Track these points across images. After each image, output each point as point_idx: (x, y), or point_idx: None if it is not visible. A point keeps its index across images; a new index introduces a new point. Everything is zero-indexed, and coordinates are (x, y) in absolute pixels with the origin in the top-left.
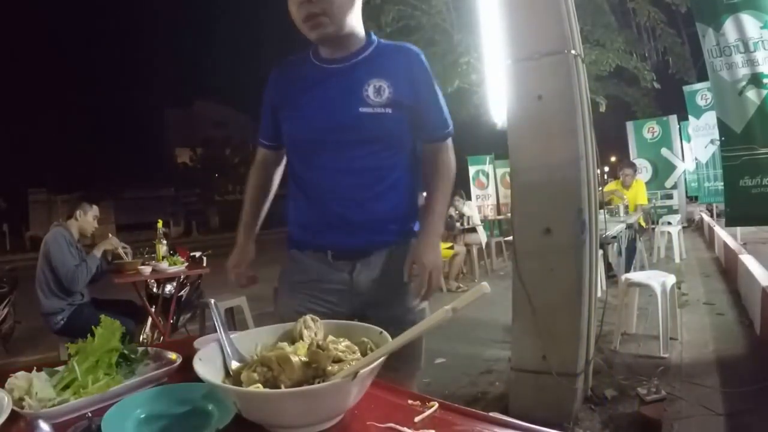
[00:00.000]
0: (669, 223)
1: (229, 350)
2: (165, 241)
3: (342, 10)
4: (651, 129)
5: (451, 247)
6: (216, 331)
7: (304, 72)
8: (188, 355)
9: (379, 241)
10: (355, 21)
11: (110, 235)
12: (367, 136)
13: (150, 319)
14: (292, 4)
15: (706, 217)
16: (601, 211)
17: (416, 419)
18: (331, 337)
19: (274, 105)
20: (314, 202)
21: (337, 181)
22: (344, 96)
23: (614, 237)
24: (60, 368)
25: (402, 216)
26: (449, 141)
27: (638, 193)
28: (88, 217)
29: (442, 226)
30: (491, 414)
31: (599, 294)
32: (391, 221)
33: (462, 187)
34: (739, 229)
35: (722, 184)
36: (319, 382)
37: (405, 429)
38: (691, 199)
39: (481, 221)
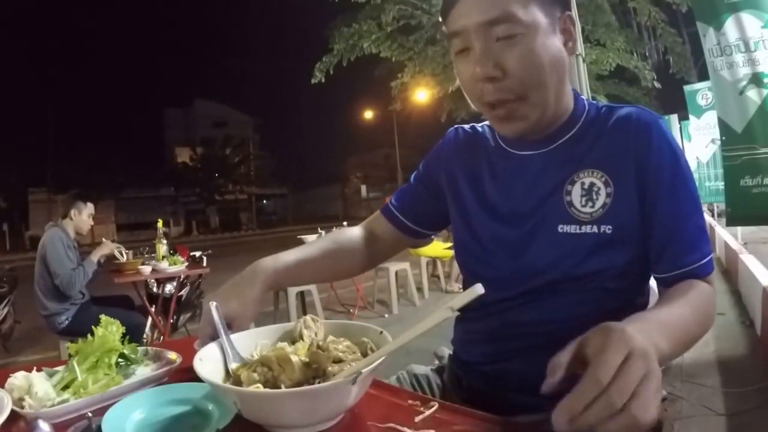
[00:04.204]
0: None
1: (229, 350)
2: (165, 241)
3: (548, 87)
4: None
5: (451, 248)
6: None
7: (482, 149)
8: (188, 355)
9: None
10: (563, 92)
11: (104, 239)
12: (572, 273)
13: (150, 319)
14: (465, 78)
15: (708, 217)
16: None
17: (416, 419)
18: (331, 338)
19: (436, 182)
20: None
21: (518, 323)
22: None
23: None
24: (60, 368)
25: None
26: (709, 283)
27: None
28: (83, 216)
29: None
30: (491, 414)
31: None
32: None
33: None
34: (739, 229)
35: (723, 183)
36: (319, 383)
37: (405, 429)
38: None
39: None
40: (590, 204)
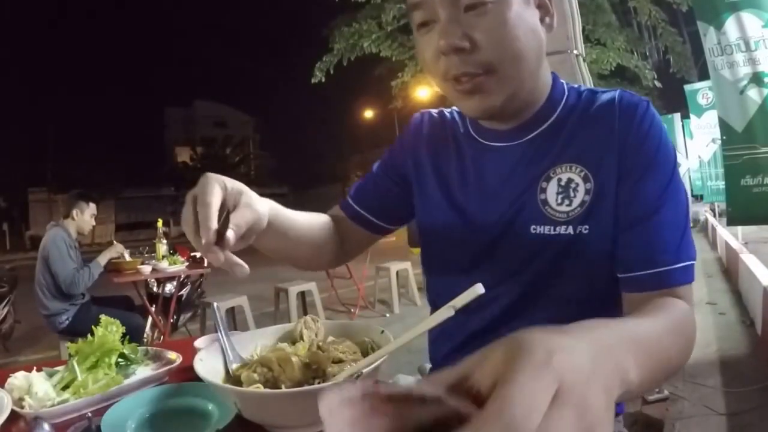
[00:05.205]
0: None
1: (229, 351)
2: (165, 241)
3: (523, 61)
4: None
5: None
6: (216, 330)
7: (450, 137)
8: (188, 355)
9: None
10: (539, 71)
11: (115, 242)
12: (542, 277)
13: (150, 319)
14: (427, 54)
15: (709, 217)
16: None
17: None
18: (331, 338)
19: (402, 170)
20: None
21: (488, 331)
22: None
23: None
24: (60, 368)
25: None
26: (687, 301)
27: None
28: (85, 216)
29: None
30: None
31: None
32: None
33: None
34: (740, 229)
35: (723, 183)
36: (319, 383)
37: None
38: (697, 197)
39: None
40: (567, 202)
